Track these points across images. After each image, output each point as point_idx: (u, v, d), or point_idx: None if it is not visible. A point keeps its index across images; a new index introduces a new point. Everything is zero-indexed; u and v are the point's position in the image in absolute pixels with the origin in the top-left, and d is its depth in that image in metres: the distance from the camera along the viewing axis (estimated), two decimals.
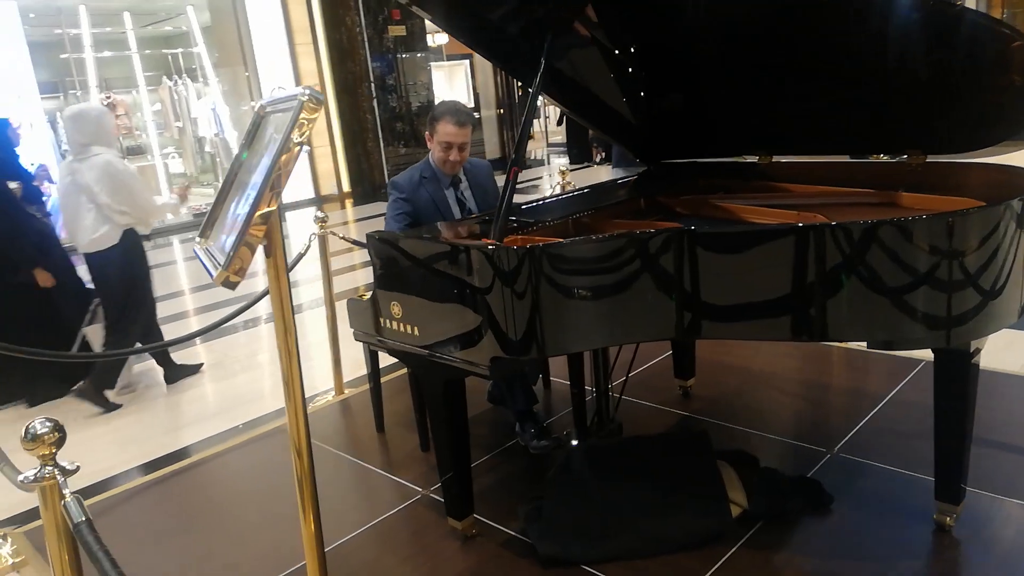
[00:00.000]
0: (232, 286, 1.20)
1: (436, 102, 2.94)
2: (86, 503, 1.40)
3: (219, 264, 1.22)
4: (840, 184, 2.65)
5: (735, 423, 3.08)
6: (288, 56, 10.71)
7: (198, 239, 1.56)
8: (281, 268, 1.44)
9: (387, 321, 2.34)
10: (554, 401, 3.50)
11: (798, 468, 2.67)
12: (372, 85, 10.96)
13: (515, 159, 2.19)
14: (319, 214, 3.83)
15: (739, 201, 2.60)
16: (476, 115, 13.22)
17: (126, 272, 3.96)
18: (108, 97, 10.08)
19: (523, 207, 2.80)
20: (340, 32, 10.65)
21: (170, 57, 11.41)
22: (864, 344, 2.00)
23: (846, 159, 2.78)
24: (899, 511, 2.40)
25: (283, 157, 1.20)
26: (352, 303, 2.48)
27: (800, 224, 1.89)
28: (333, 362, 3.82)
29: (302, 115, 1.20)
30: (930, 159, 2.49)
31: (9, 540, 2.74)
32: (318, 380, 3.99)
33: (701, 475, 2.43)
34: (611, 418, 2.93)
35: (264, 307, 5.32)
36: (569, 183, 4.65)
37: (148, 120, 10.52)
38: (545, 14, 2.36)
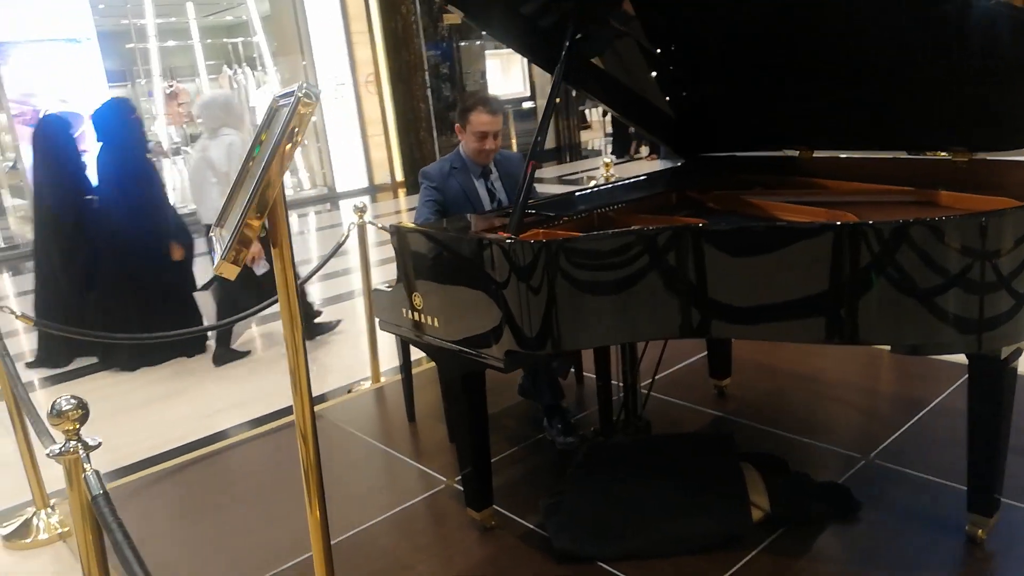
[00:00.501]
0: (231, 277, 1.23)
1: (470, 93, 2.93)
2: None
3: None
4: (881, 181, 2.56)
5: (769, 425, 3.01)
6: (344, 45, 10.85)
7: (214, 227, 1.60)
8: (287, 260, 1.47)
9: (409, 312, 2.36)
10: (586, 396, 3.47)
11: (830, 473, 2.60)
12: (427, 74, 11.04)
13: (532, 152, 2.18)
14: (358, 204, 3.88)
15: (774, 197, 2.53)
16: (532, 105, 13.20)
17: None
18: (171, 85, 10.39)
19: (551, 200, 2.78)
20: (395, 21, 10.74)
21: (230, 46, 11.68)
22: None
23: (889, 155, 2.67)
24: (930, 521, 2.32)
25: (278, 153, 1.22)
26: (377, 293, 2.51)
27: (813, 223, 1.83)
28: (370, 350, 3.87)
29: (298, 111, 1.22)
30: (977, 156, 2.40)
31: (57, 511, 2.87)
32: (358, 368, 4.05)
33: (723, 477, 2.39)
34: (639, 416, 2.90)
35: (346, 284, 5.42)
36: (612, 175, 4.60)
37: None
38: (574, 8, 2.33)
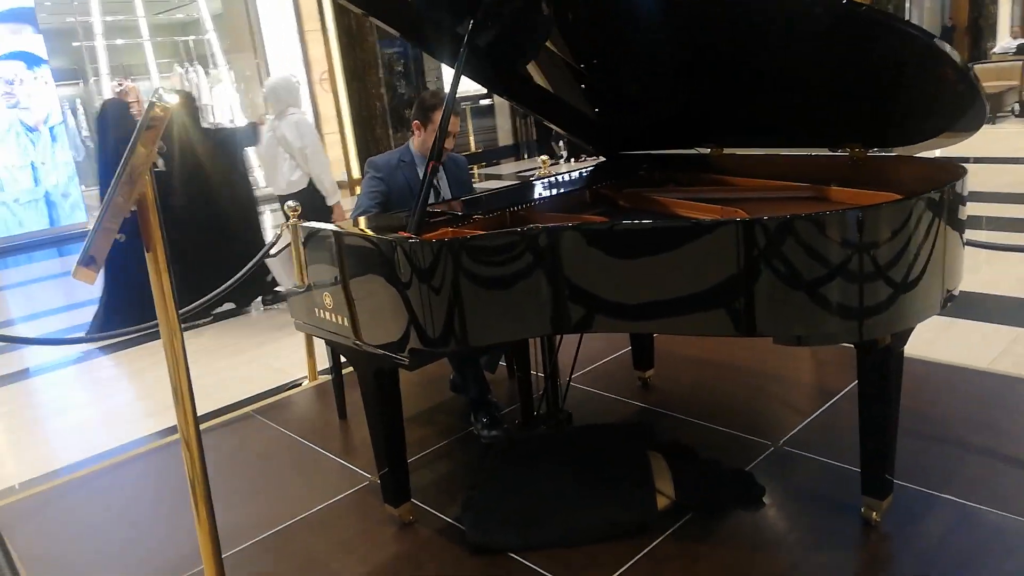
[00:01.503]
0: (89, 280, 1.25)
1: (432, 92, 2.98)
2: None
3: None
4: (782, 178, 2.64)
5: (686, 414, 3.09)
6: (298, 42, 10.78)
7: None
8: (162, 264, 1.49)
9: (320, 311, 2.39)
10: (517, 390, 3.52)
11: (738, 460, 2.68)
12: (382, 71, 11.00)
13: (432, 154, 2.22)
14: (291, 203, 3.88)
15: (680, 194, 2.60)
16: (490, 102, 13.21)
17: (308, 210, 4.33)
18: (120, 84, 10.22)
19: (471, 199, 2.83)
20: (349, 18, 10.68)
21: (181, 44, 11.53)
22: None
23: (794, 152, 2.76)
24: (830, 505, 2.41)
25: (135, 156, 1.25)
26: (291, 292, 2.54)
27: (688, 221, 1.91)
28: (307, 349, 3.89)
29: (151, 115, 1.25)
30: (873, 153, 2.50)
31: None
32: (298, 367, 4.06)
33: (631, 466, 2.46)
34: (560, 408, 2.96)
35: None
36: (549, 173, 4.65)
37: None
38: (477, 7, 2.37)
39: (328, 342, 2.55)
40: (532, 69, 2.93)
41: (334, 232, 2.26)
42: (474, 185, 3.62)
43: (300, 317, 2.54)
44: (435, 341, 2.04)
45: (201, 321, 5.13)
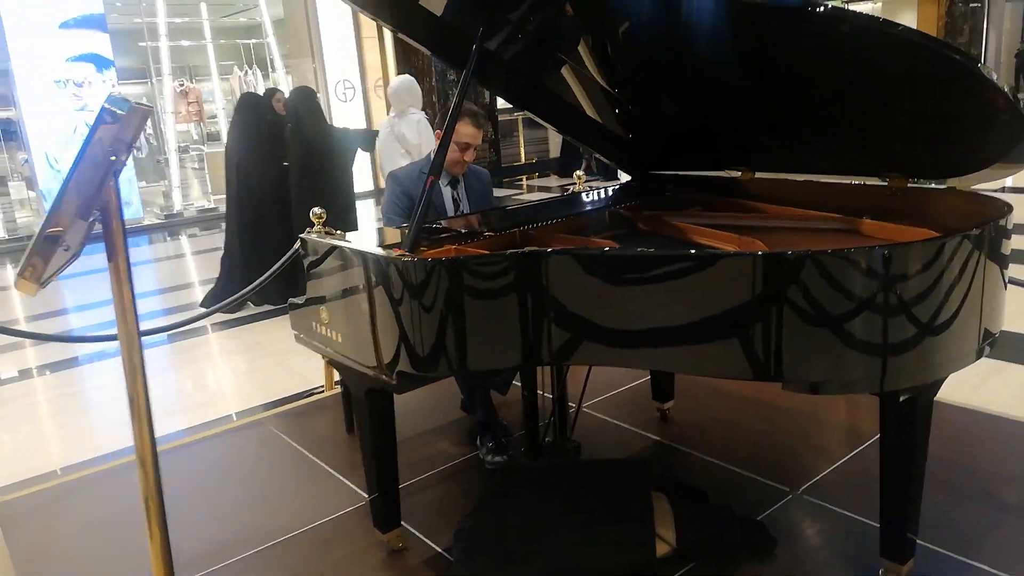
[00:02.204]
0: (28, 292, 1.20)
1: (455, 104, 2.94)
2: None
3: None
4: (814, 206, 2.48)
5: (703, 451, 2.92)
6: (354, 49, 10.90)
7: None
8: (123, 273, 1.43)
9: (317, 325, 2.32)
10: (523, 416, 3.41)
11: (752, 506, 2.51)
12: (435, 79, 11.04)
13: (432, 168, 2.13)
14: (316, 210, 3.84)
15: (702, 220, 2.46)
16: None
17: None
18: (181, 84, 10.50)
19: (484, 215, 2.73)
20: None
21: (242, 47, 11.78)
22: None
23: (830, 180, 2.59)
24: (848, 564, 2.23)
25: (80, 164, 1.19)
26: (292, 306, 2.48)
27: (675, 253, 1.78)
28: (326, 359, 3.84)
29: (102, 125, 1.18)
30: (914, 184, 2.31)
31: None
32: (318, 375, 4.01)
33: (631, 506, 2.32)
34: (567, 437, 2.83)
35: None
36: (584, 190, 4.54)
37: (219, 108, 10.89)
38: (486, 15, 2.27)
39: (324, 357, 2.48)
40: (560, 85, 2.83)
41: (330, 245, 2.18)
42: (517, 197, 3.52)
43: (300, 330, 2.47)
44: (424, 364, 1.94)
45: (243, 313, 5.34)
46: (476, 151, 2.89)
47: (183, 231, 9.76)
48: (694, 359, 1.82)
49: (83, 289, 6.51)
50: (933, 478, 2.59)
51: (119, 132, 1.24)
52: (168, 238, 9.46)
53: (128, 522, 2.70)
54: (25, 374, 4.58)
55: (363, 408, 2.29)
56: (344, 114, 10.94)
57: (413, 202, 2.90)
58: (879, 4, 20.65)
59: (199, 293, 6.10)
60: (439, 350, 1.90)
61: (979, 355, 1.94)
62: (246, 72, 11.16)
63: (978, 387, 3.52)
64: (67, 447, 3.47)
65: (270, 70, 10.89)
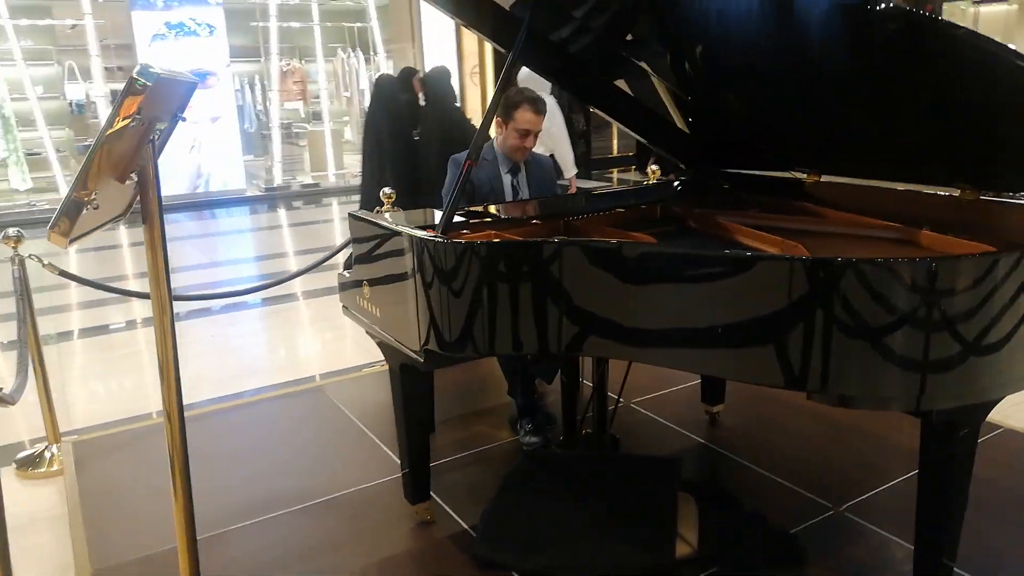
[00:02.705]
0: (61, 245, 1.30)
1: (517, 90, 2.96)
2: None
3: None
4: (878, 214, 2.36)
5: (746, 459, 2.85)
6: (453, 36, 11.04)
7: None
8: (157, 237, 1.53)
9: (360, 300, 2.39)
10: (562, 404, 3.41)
11: (789, 519, 2.43)
12: None
13: (469, 153, 2.15)
14: (387, 190, 3.94)
15: (751, 220, 2.39)
16: None
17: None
18: (288, 64, 10.93)
19: (539, 202, 2.74)
20: None
21: (347, 31, 12.13)
22: None
23: (899, 187, 2.46)
24: None
25: (108, 131, 1.27)
26: (340, 277, 2.56)
27: (707, 254, 1.74)
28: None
29: (130, 95, 1.27)
30: (986, 196, 2.17)
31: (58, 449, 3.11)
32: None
33: (656, 506, 2.29)
34: (606, 431, 2.82)
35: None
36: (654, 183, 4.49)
37: (322, 89, 11.27)
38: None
39: (366, 330, 2.56)
40: (620, 75, 2.80)
41: (373, 223, 2.25)
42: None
43: (347, 303, 2.56)
44: (448, 344, 1.98)
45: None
46: (536, 137, 2.89)
47: (281, 204, 10.19)
48: (716, 361, 1.78)
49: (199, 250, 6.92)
50: (981, 504, 2.47)
51: (148, 102, 1.31)
52: (268, 210, 9.89)
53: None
54: (131, 324, 4.94)
55: (397, 382, 2.35)
56: None
57: (474, 187, 2.94)
58: (1015, 7, 19.43)
59: (293, 263, 6.39)
60: (462, 331, 1.94)
61: None
62: (348, 55, 11.49)
63: None
64: (148, 396, 3.72)
65: (372, 53, 11.17)
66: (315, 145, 11.43)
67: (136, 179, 1.50)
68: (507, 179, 2.99)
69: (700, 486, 2.48)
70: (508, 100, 2.85)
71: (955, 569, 1.99)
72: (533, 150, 3.01)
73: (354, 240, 2.38)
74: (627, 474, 2.49)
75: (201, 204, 9.84)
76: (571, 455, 2.70)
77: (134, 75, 1.27)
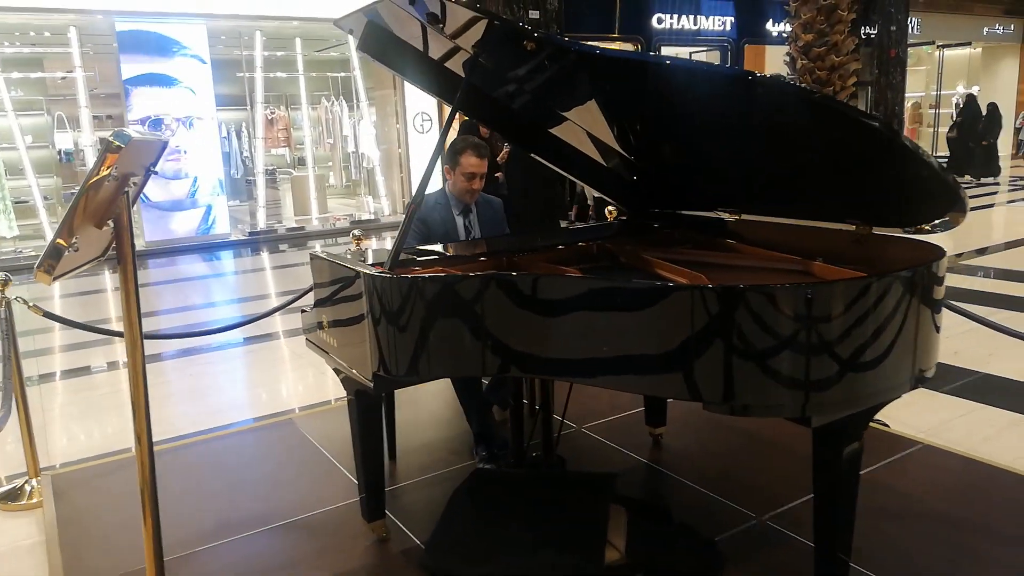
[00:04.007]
0: (46, 282, 1.53)
1: (460, 138, 3.27)
2: None
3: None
4: (785, 248, 2.62)
5: (682, 475, 3.07)
6: None
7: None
8: (130, 279, 1.76)
9: (320, 331, 2.63)
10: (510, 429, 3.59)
11: (714, 528, 2.64)
12: None
13: (414, 196, 2.41)
14: (356, 232, 4.20)
15: (669, 255, 2.65)
16: None
17: None
18: (272, 112, 11.28)
19: (484, 241, 3.00)
20: None
21: (330, 80, 12.53)
22: None
23: (808, 224, 2.73)
24: None
25: (88, 184, 1.51)
26: (303, 313, 2.80)
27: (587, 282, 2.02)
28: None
29: (107, 154, 1.51)
30: (879, 231, 2.45)
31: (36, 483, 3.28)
32: None
33: (588, 517, 2.50)
34: (552, 453, 3.03)
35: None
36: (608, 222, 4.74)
37: (307, 135, 11.61)
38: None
39: (325, 360, 2.78)
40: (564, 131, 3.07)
41: (330, 261, 2.49)
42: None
43: (310, 336, 2.78)
44: (391, 369, 2.21)
45: None
46: (483, 180, 3.16)
47: (264, 247, 10.43)
48: (627, 379, 2.02)
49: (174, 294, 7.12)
50: (900, 515, 2.70)
51: (122, 161, 1.56)
52: (251, 253, 10.13)
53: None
54: (112, 366, 5.13)
55: (353, 408, 2.57)
56: (420, 145, 11.49)
57: (429, 228, 3.20)
58: (979, 49, 20.20)
59: (274, 303, 6.62)
60: (402, 358, 2.17)
61: (914, 386, 2.07)
62: (332, 103, 11.87)
63: (990, 438, 3.53)
64: (126, 432, 3.90)
65: (356, 101, 11.55)
66: (299, 190, 11.74)
67: (112, 226, 1.74)
68: (460, 220, 3.25)
69: (634, 500, 2.69)
70: (453, 148, 3.14)
71: (866, 573, 2.21)
72: (485, 192, 3.28)
73: (314, 277, 2.62)
74: (565, 490, 2.70)
75: (187, 248, 10.07)
76: (515, 473, 2.91)
77: (110, 138, 1.52)
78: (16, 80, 10.92)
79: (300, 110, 11.98)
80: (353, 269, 2.29)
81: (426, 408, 3.93)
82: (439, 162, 2.62)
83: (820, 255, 2.46)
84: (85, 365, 5.17)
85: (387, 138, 12.04)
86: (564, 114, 2.98)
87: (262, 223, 11.00)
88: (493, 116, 3.01)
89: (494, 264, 2.65)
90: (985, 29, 19.05)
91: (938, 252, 2.12)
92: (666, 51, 15.01)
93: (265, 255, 10.00)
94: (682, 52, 16.48)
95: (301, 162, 13.60)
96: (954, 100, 20.17)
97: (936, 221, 2.23)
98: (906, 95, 17.76)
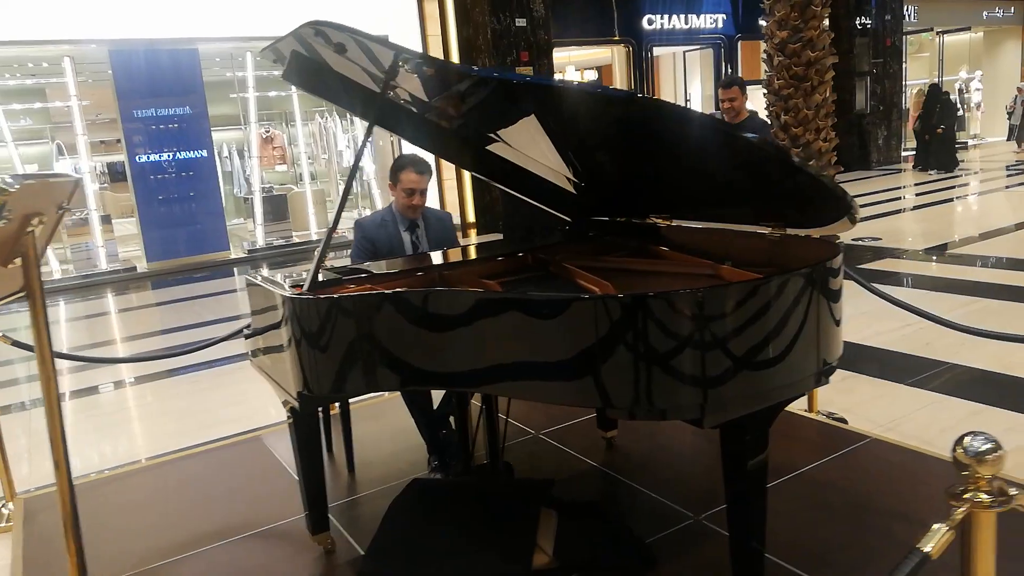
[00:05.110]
0: None
1: (401, 155, 3.36)
2: None
3: None
4: (706, 251, 2.68)
5: (628, 476, 3.13)
6: None
7: None
8: (40, 313, 1.86)
9: (257, 351, 2.72)
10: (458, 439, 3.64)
11: (651, 528, 2.70)
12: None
13: (335, 218, 2.50)
14: None
15: (591, 263, 2.71)
16: None
17: None
18: (268, 131, 11.46)
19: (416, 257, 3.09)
20: None
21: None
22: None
23: (731, 227, 2.79)
24: None
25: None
26: (244, 334, 2.89)
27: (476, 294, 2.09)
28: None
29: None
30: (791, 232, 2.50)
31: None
32: None
33: (518, 520, 2.56)
34: (499, 459, 3.10)
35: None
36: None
37: (302, 152, 11.79)
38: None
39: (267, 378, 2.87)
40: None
41: (254, 282, 2.59)
42: None
43: (251, 356, 2.88)
44: (312, 388, 2.29)
45: None
46: (424, 195, 3.25)
47: (264, 264, 10.58)
48: (532, 390, 2.09)
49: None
50: (841, 513, 2.74)
51: (16, 203, 1.66)
52: (251, 270, 10.29)
53: (129, 520, 3.17)
54: (89, 391, 5.28)
55: (292, 425, 2.65)
56: None
57: (375, 247, 3.29)
58: (980, 33, 20.04)
59: None
60: (321, 375, 2.26)
61: (817, 383, 2.11)
62: (326, 119, 12.04)
63: (947, 429, 3.56)
64: (102, 455, 4.03)
65: (350, 116, 11.70)
66: (298, 206, 11.90)
67: (20, 263, 1.84)
68: (406, 237, 3.33)
69: (570, 505, 2.74)
70: (394, 165, 3.23)
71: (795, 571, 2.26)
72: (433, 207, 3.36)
73: (250, 302, 2.71)
74: (502, 497, 2.77)
75: (185, 268, 10.25)
76: (454, 481, 2.98)
77: (1, 185, 1.62)
78: (21, 110, 11.20)
79: (294, 127, 12.18)
80: (275, 292, 2.38)
81: (387, 420, 4.01)
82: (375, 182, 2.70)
83: (732, 259, 2.51)
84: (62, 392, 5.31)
85: (382, 151, 12.18)
86: (496, 132, 3.06)
87: (261, 241, 11.17)
88: (431, 139, 3.09)
89: (426, 280, 2.73)
90: (985, 13, 18.91)
91: (834, 248, 2.18)
92: (658, 51, 15.09)
93: (265, 272, 10.14)
94: (676, 52, 16.57)
95: (299, 178, 13.82)
96: (956, 85, 20.05)
97: (835, 223, 2.29)
98: (909, 83, 17.73)
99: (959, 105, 16.67)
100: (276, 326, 2.44)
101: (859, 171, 15.09)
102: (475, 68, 2.35)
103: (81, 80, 10.30)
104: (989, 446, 1.29)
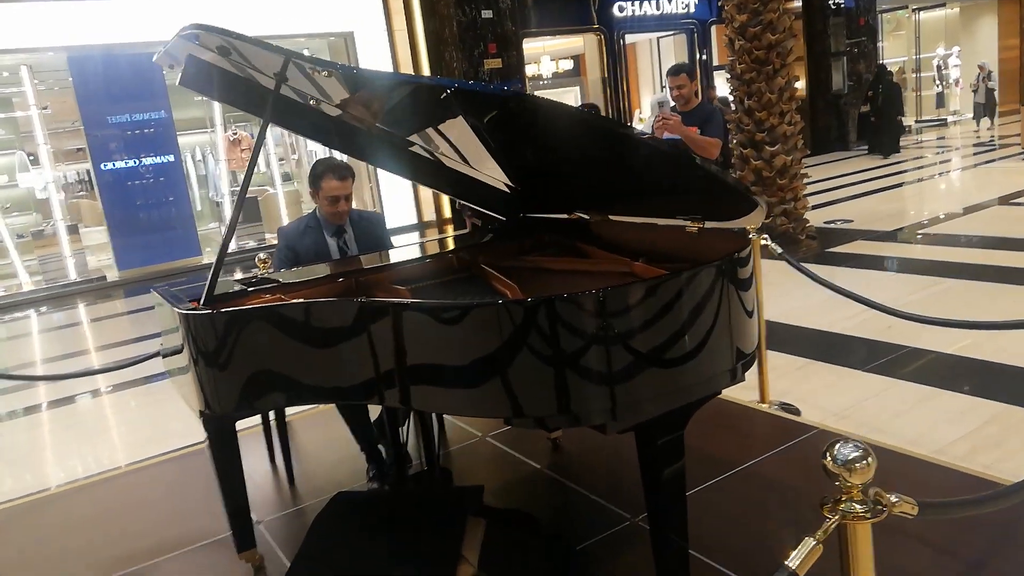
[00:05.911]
0: None
1: (320, 160, 3.24)
2: None
3: None
4: (629, 247, 2.60)
5: (568, 478, 3.07)
6: None
7: None
8: None
9: (173, 369, 2.63)
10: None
11: (588, 530, 2.64)
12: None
13: (228, 227, 2.41)
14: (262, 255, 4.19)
15: (511, 263, 2.64)
16: None
17: None
18: (234, 133, 11.32)
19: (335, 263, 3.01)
20: (440, 68, 11.25)
21: None
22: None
23: (656, 222, 2.71)
24: None
25: None
26: (163, 354, 2.81)
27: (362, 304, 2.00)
28: None
29: None
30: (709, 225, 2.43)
31: None
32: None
33: (445, 531, 2.49)
34: (437, 467, 3.03)
35: None
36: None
37: (272, 154, 11.65)
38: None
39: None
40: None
41: (159, 299, 2.50)
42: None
43: (171, 377, 2.79)
44: (212, 407, 2.21)
45: None
46: (349, 200, 3.15)
47: (237, 268, 10.48)
48: (433, 400, 2.01)
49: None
50: (772, 508, 2.68)
51: None
52: (224, 275, 10.14)
53: (94, 532, 3.10)
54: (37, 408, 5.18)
55: (208, 447, 2.57)
56: None
57: (297, 255, 3.19)
58: (956, 9, 19.96)
59: None
60: (220, 393, 2.17)
61: (734, 379, 2.04)
62: None
63: (899, 415, 3.50)
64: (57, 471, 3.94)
65: None
66: (270, 207, 11.79)
67: None
68: (332, 242, 3.23)
69: (500, 511, 2.67)
70: (314, 172, 3.12)
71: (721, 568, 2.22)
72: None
73: (158, 318, 2.63)
74: (430, 506, 2.69)
75: (157, 276, 10.13)
76: (379, 492, 2.91)
77: None
78: None
79: (257, 127, 12.02)
80: (170, 307, 2.30)
81: (330, 429, 3.91)
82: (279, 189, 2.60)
83: (656, 253, 2.44)
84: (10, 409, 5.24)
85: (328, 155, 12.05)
86: (417, 134, 2.97)
87: (233, 244, 11.04)
88: (346, 141, 2.99)
89: (342, 287, 2.65)
90: None
91: (743, 240, 2.12)
92: (630, 38, 14.99)
93: (239, 275, 10.02)
94: (652, 38, 16.48)
95: (266, 182, 13.68)
96: (935, 63, 20.02)
97: (746, 216, 2.22)
98: (886, 60, 17.62)
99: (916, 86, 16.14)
100: (180, 344, 2.36)
101: (838, 152, 15.04)
102: (360, 68, 2.21)
103: (44, 89, 10.16)
104: (858, 453, 1.21)
